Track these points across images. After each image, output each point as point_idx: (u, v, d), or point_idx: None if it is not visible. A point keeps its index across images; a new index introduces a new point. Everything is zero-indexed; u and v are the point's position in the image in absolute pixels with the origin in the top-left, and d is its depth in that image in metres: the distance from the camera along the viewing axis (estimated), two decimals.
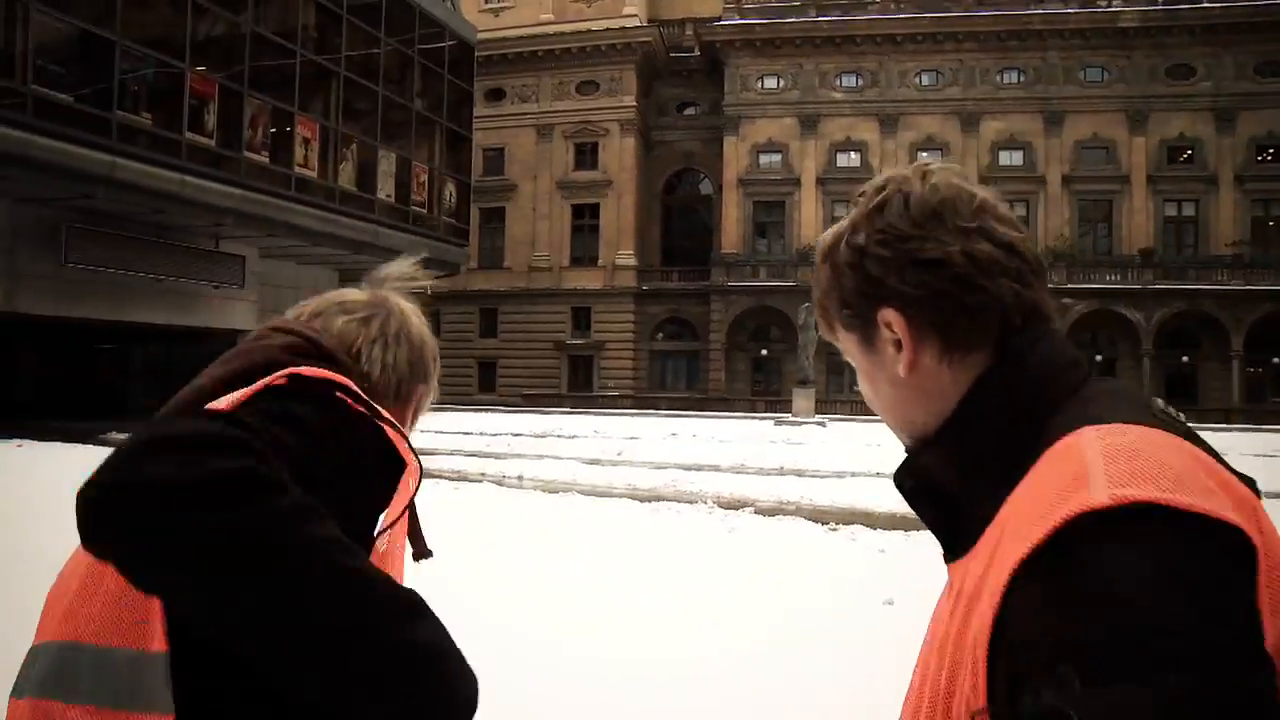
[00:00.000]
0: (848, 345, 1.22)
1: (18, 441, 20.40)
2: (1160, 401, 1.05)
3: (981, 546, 1.00)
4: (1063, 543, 0.86)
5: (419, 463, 1.36)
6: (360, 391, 1.32)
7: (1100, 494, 0.86)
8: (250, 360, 1.35)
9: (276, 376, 1.26)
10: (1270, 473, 18.72)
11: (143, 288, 26.42)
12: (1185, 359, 49.41)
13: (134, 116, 23.40)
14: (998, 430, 1.06)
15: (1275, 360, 48.40)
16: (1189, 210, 51.42)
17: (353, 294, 1.61)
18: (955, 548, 1.10)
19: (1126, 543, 0.83)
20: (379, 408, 1.33)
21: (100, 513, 1.05)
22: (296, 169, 28.55)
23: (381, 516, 1.33)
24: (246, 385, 1.26)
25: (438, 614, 1.15)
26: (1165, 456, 0.90)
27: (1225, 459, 0.97)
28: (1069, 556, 0.85)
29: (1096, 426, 0.96)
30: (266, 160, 27.46)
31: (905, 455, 1.20)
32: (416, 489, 1.37)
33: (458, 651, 1.14)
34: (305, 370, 1.29)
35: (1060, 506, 0.87)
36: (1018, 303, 1.12)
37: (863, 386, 1.24)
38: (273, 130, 27.78)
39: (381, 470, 1.32)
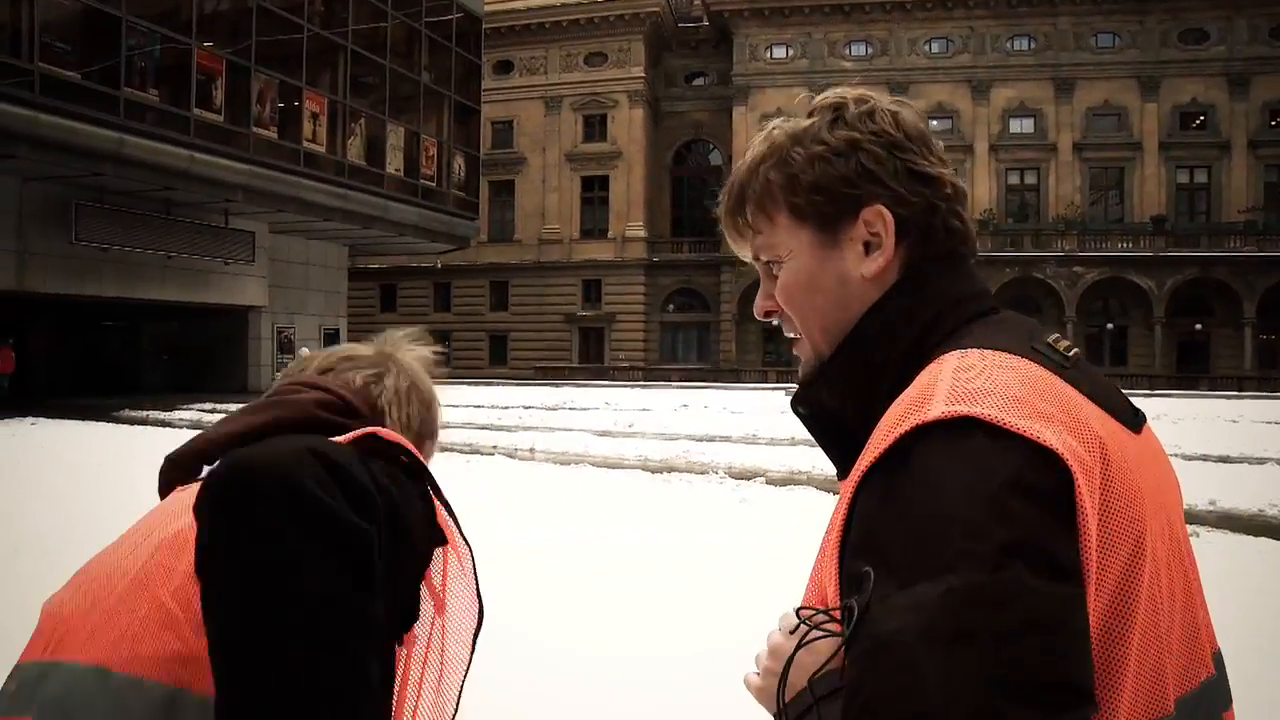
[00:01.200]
0: (787, 238, 1.19)
1: (31, 419, 20.52)
2: (1057, 337, 1.08)
3: (859, 458, 1.03)
4: (899, 452, 0.93)
5: (469, 546, 1.31)
6: (409, 446, 1.27)
7: (936, 409, 0.93)
8: (284, 414, 1.32)
9: (362, 433, 1.23)
10: None
11: (152, 265, 26.50)
12: (1198, 326, 49.21)
13: (141, 93, 23.39)
14: (891, 348, 1.12)
15: None
16: (1201, 177, 51.09)
17: (359, 349, 1.57)
18: (846, 466, 1.11)
19: (947, 452, 0.90)
20: (435, 479, 1.29)
21: (249, 485, 1.00)
22: (305, 144, 28.53)
23: (424, 591, 1.28)
24: (283, 435, 1.22)
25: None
26: (1007, 380, 0.96)
27: (1115, 398, 1.05)
28: (899, 463, 0.93)
29: (963, 351, 1.03)
30: (275, 135, 27.44)
31: (800, 382, 1.23)
32: (475, 573, 1.33)
33: None
34: (384, 432, 1.25)
35: (904, 421, 0.95)
36: (973, 236, 1.20)
37: (789, 287, 1.20)
38: (281, 105, 27.76)
39: (428, 539, 1.25)
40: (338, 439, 1.19)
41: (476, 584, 1.33)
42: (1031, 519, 0.86)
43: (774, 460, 14.14)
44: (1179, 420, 23.54)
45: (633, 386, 43.70)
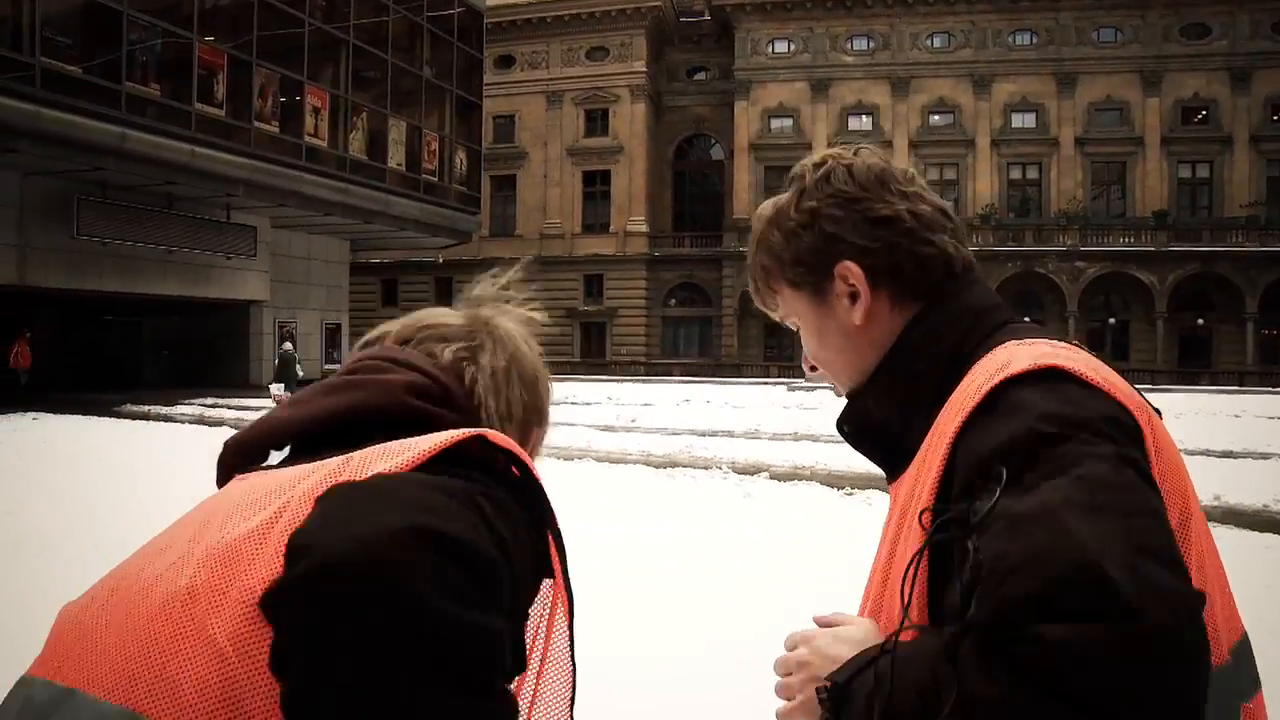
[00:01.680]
0: (795, 305, 1.35)
1: (33, 414, 20.53)
2: (1076, 343, 1.19)
3: (920, 451, 1.16)
4: (994, 396, 1.05)
5: (569, 591, 1.11)
6: (531, 463, 1.06)
7: (1022, 365, 1.06)
8: (369, 398, 1.11)
9: (465, 435, 1.01)
10: None
11: (154, 259, 26.50)
12: (1199, 321, 49.16)
13: (143, 88, 23.38)
14: (931, 358, 1.22)
15: None
16: (1203, 172, 51.01)
17: (447, 315, 1.31)
18: (896, 470, 1.26)
19: (1042, 389, 1.03)
20: (546, 496, 1.08)
21: (346, 598, 0.81)
22: (307, 138, 28.51)
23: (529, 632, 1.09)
24: (364, 424, 1.08)
25: None
26: (1076, 355, 1.10)
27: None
28: (1000, 401, 1.04)
29: (1017, 341, 1.15)
30: (276, 130, 27.43)
31: (846, 402, 1.35)
32: (569, 617, 1.12)
33: None
34: (493, 435, 1.03)
35: (994, 378, 1.06)
36: (957, 254, 1.29)
37: (810, 344, 1.36)
38: (282, 100, 27.75)
39: (535, 578, 1.06)
40: (437, 439, 0.99)
41: (571, 640, 1.13)
42: (1129, 443, 0.99)
43: (777, 455, 14.13)
44: (1181, 415, 23.52)
45: (634, 381, 43.70)
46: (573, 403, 26.72)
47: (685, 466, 13.97)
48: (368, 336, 1.31)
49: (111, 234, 24.50)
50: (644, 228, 55.15)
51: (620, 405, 25.88)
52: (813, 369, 1.40)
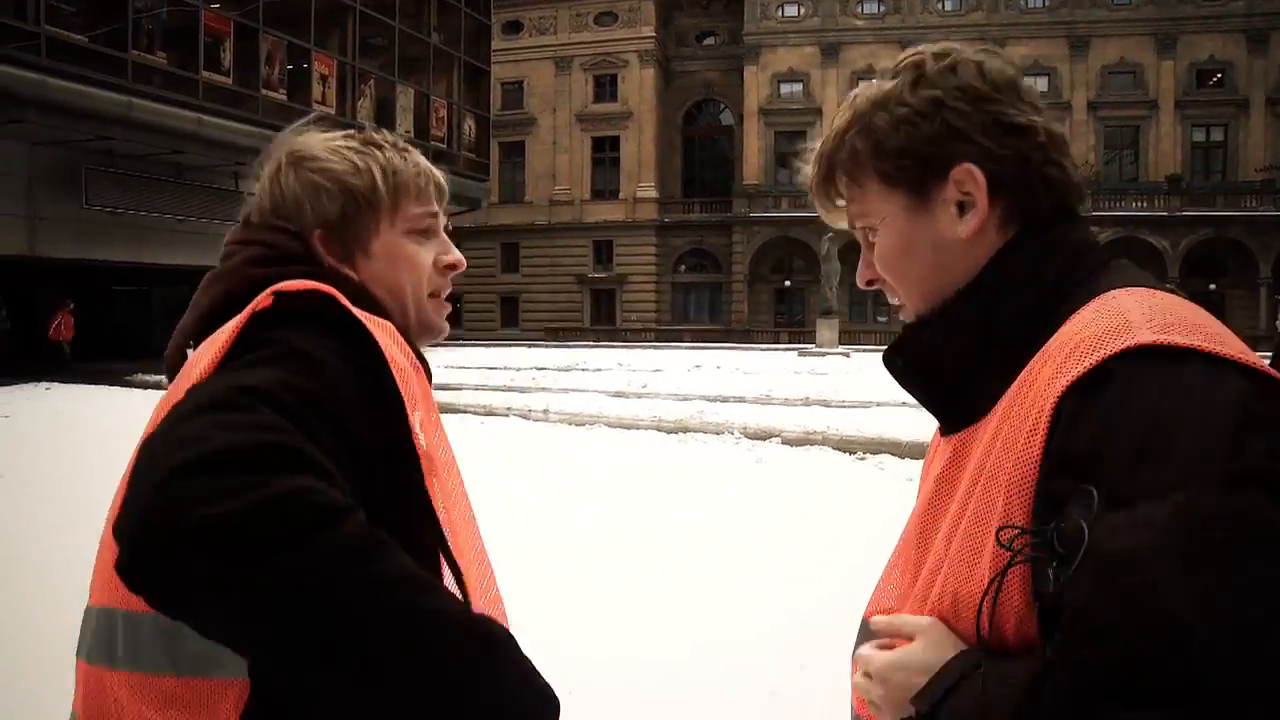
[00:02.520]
0: (879, 204, 1.17)
1: (45, 384, 20.60)
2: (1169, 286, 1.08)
3: (1005, 409, 1.02)
4: (1108, 371, 0.91)
5: (415, 357, 1.20)
6: (339, 295, 1.12)
7: (1145, 335, 0.92)
8: (230, 286, 1.23)
9: (261, 300, 1.08)
10: None
11: (163, 229, 26.48)
12: (1212, 286, 48.86)
13: (149, 56, 23.29)
14: (1026, 292, 1.08)
15: None
16: (1217, 135, 50.62)
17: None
18: (953, 418, 1.14)
19: (1164, 376, 0.89)
20: (360, 311, 1.13)
21: (143, 559, 0.87)
22: (315, 106, 28.39)
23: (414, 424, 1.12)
24: (222, 314, 1.17)
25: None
26: (1198, 317, 0.97)
27: None
28: (1113, 382, 0.90)
29: (1129, 289, 1.02)
30: (284, 98, 27.32)
31: (902, 334, 1.20)
32: (429, 381, 1.24)
33: (537, 688, 1.01)
34: (287, 286, 1.10)
35: (1109, 343, 0.93)
36: (1078, 185, 1.16)
37: (887, 252, 1.18)
38: (289, 67, 27.63)
39: (387, 385, 1.10)
40: (240, 316, 1.08)
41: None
42: (1258, 446, 0.83)
43: (789, 420, 14.12)
44: None
45: (644, 347, 43.68)
46: (583, 369, 26.73)
47: (697, 432, 13.98)
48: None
49: (120, 203, 24.47)
50: (653, 194, 54.96)
51: (631, 371, 25.87)
52: (869, 283, 1.23)
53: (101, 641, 1.08)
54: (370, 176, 1.33)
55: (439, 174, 1.43)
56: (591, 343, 48.23)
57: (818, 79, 52.89)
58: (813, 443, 12.69)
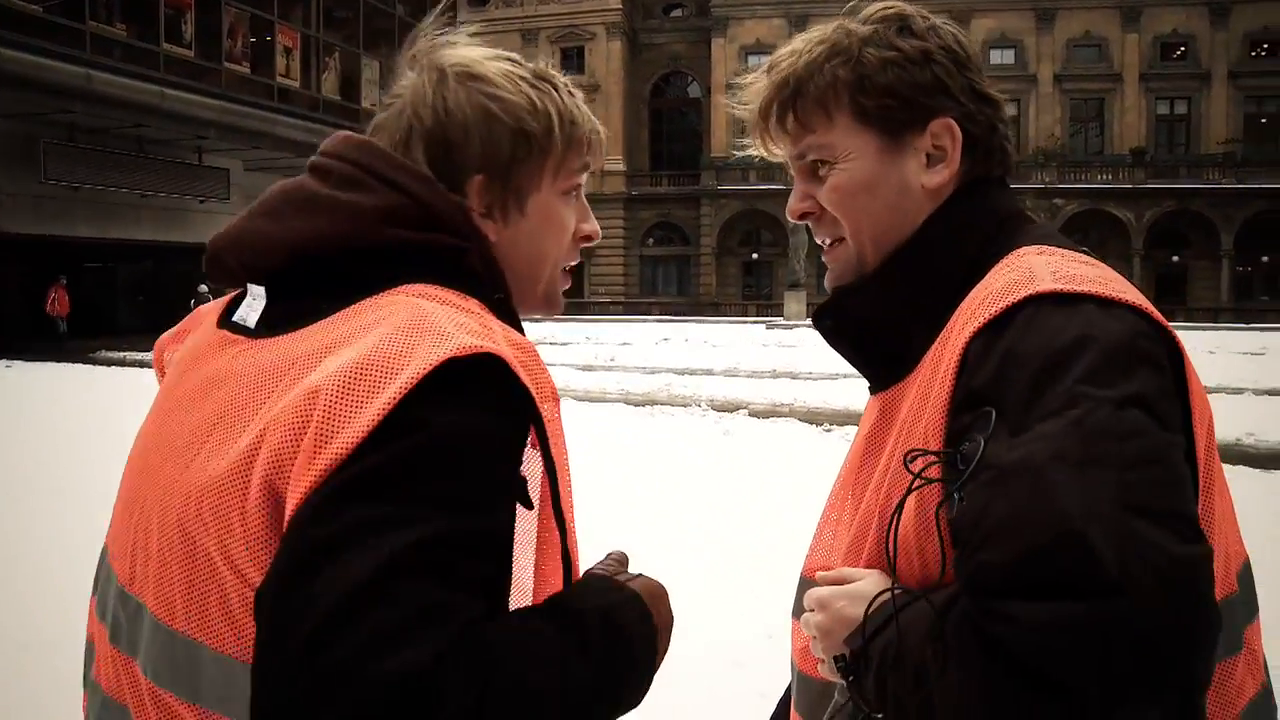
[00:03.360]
0: (849, 139, 1.17)
1: (6, 362, 20.35)
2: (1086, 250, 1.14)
3: (927, 362, 1.07)
4: (1010, 315, 0.96)
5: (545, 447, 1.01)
6: (512, 360, 0.96)
7: (1045, 285, 0.97)
8: (336, 226, 1.02)
9: (427, 367, 0.88)
10: (1259, 370, 18.71)
11: (126, 204, 26.17)
12: (1175, 258, 49.39)
13: (108, 27, 22.95)
14: (955, 254, 1.13)
15: (1265, 259, 48.42)
16: (1181, 108, 50.98)
17: (397, 88, 1.18)
18: (880, 377, 1.18)
19: (1062, 314, 0.94)
20: (526, 380, 0.98)
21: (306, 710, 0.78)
22: (279, 79, 28.10)
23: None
24: (335, 261, 1.01)
25: None
26: (1098, 269, 1.03)
27: None
28: (1014, 323, 0.96)
29: (1040, 247, 1.08)
30: (247, 71, 27.02)
31: (832, 297, 1.22)
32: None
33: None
34: (461, 351, 0.91)
35: (1013, 292, 0.98)
36: (1013, 161, 1.24)
37: (845, 189, 1.17)
38: (253, 40, 27.29)
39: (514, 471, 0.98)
40: (400, 385, 0.88)
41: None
42: (1145, 376, 0.90)
43: (756, 392, 14.19)
44: None
45: (613, 320, 43.64)
46: (551, 343, 26.68)
47: (664, 405, 14.01)
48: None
49: (81, 178, 24.14)
50: (621, 166, 54.76)
51: (599, 344, 25.88)
52: (804, 215, 1.23)
53: (178, 672, 0.96)
54: (547, 119, 1.15)
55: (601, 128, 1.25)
56: (559, 316, 47.98)
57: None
58: (780, 415, 12.76)
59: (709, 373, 18.28)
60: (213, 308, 1.17)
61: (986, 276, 1.05)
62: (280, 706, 0.79)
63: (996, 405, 0.91)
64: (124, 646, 1.02)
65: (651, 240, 55.89)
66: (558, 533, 1.04)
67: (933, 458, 0.96)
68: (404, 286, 0.99)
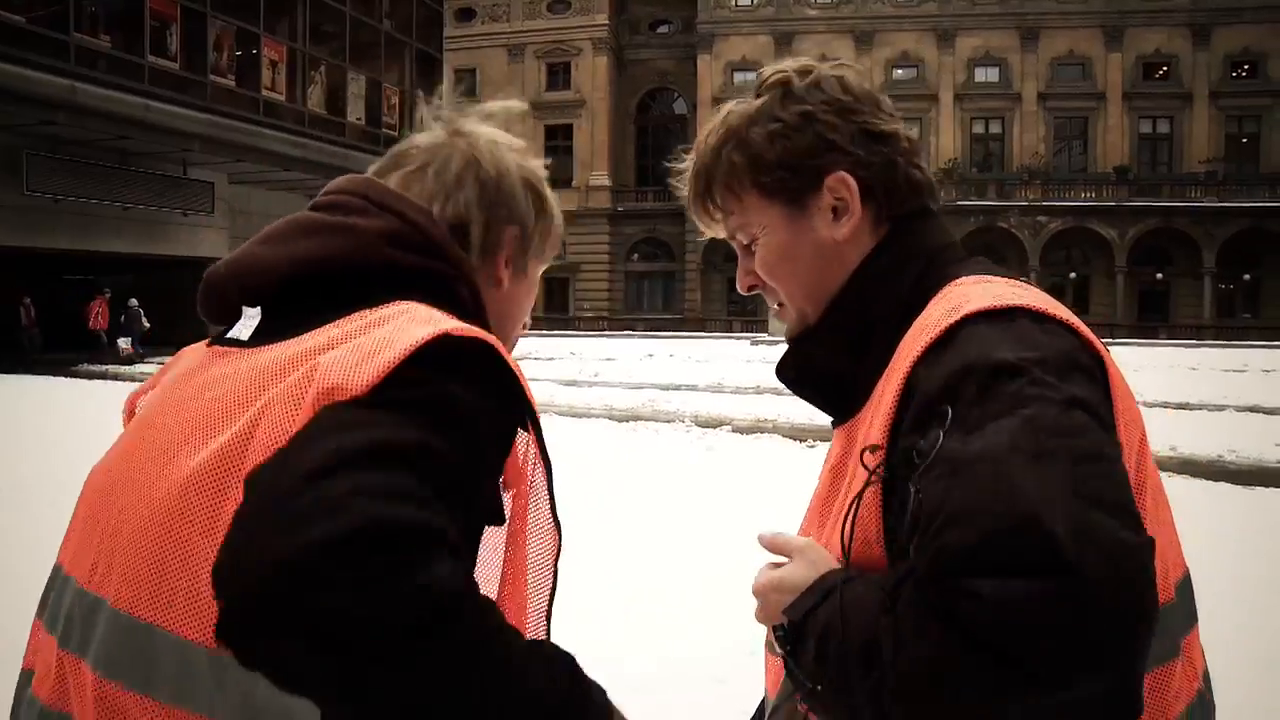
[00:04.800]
0: (761, 215, 1.24)
1: None
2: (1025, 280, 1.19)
3: (877, 389, 1.12)
4: (952, 334, 1.02)
5: (545, 456, 1.11)
6: (500, 347, 1.04)
7: (981, 304, 1.03)
8: (341, 246, 1.08)
9: (424, 339, 0.95)
10: (1241, 387, 18.82)
11: (109, 216, 26.05)
12: (1158, 276, 49.71)
13: (92, 39, 22.87)
14: (890, 295, 1.18)
15: (1246, 277, 48.79)
16: (1164, 127, 51.39)
17: (416, 139, 1.31)
18: (843, 412, 1.22)
19: (999, 328, 1.00)
20: (517, 367, 1.06)
21: (257, 632, 0.81)
22: (264, 92, 28.05)
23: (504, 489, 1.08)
24: (334, 279, 1.06)
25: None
26: (1032, 294, 1.08)
27: None
28: (957, 338, 1.01)
29: (976, 277, 1.13)
30: (233, 84, 26.97)
31: (790, 349, 1.29)
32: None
33: None
34: (456, 330, 0.99)
35: (952, 316, 1.04)
36: (933, 183, 1.27)
37: (770, 259, 1.24)
38: (238, 53, 27.25)
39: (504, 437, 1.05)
40: (394, 353, 0.94)
41: (552, 501, 1.13)
42: (1082, 382, 0.97)
43: (740, 408, 14.20)
44: (1139, 368, 23.79)
45: (598, 336, 43.66)
46: (535, 358, 26.67)
47: (648, 420, 14.00)
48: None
49: (64, 190, 24.02)
50: (606, 182, 54.86)
51: (583, 360, 25.87)
52: (751, 288, 1.30)
53: (134, 659, 0.95)
54: (553, 207, 1.37)
55: None
56: (544, 331, 48.11)
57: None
58: (763, 430, 12.77)
59: (693, 388, 18.31)
60: (191, 349, 1.19)
61: (926, 309, 1.10)
62: (266, 527, 0.82)
63: (952, 403, 0.95)
64: (74, 646, 1.00)
65: (637, 256, 55.94)
66: (556, 534, 1.13)
67: (882, 456, 1.02)
68: (398, 303, 1.04)
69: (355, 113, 32.24)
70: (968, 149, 52.40)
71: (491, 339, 1.02)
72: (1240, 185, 48.16)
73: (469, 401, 0.96)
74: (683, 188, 1.34)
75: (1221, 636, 4.92)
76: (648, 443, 11.93)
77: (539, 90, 55.73)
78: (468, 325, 1.01)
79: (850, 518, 1.05)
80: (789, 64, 1.27)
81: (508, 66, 55.87)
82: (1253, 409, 15.39)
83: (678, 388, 18.28)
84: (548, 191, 1.36)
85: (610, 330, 49.86)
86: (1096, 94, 50.95)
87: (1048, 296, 1.09)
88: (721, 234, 1.32)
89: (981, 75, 52.11)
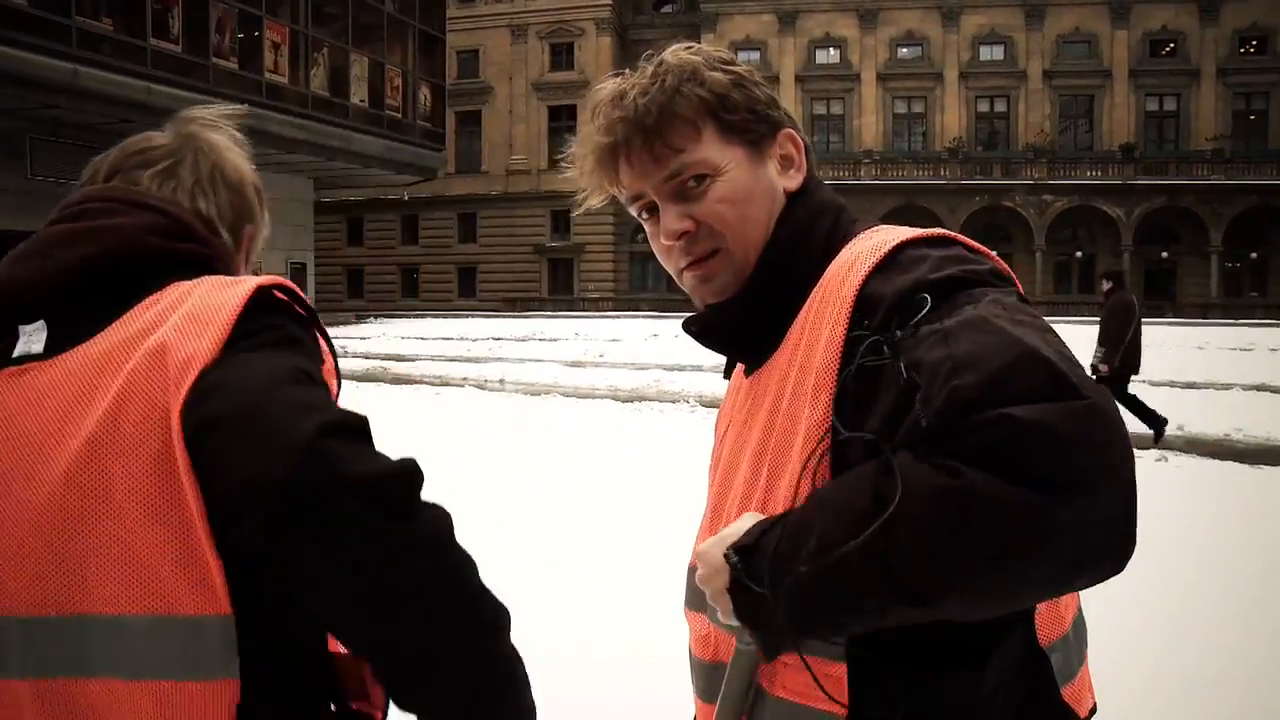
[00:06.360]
0: (722, 154, 1.26)
1: None
2: None
3: (793, 334, 1.18)
4: (895, 254, 1.10)
5: (335, 362, 1.23)
6: (298, 290, 1.18)
7: (915, 234, 1.13)
8: (107, 247, 1.15)
9: (250, 290, 1.09)
10: (1248, 366, 18.79)
11: None
12: (1165, 254, 49.52)
13: (94, 22, 22.82)
14: (814, 246, 1.24)
15: (1253, 255, 48.56)
16: (1170, 105, 51.05)
17: (153, 139, 1.39)
18: (755, 362, 1.27)
19: (940, 247, 1.11)
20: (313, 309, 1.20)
21: (303, 509, 0.95)
22: (267, 75, 28.00)
23: None
24: (104, 274, 1.13)
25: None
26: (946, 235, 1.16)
27: None
28: (903, 255, 1.10)
29: (885, 226, 1.22)
30: (235, 66, 26.91)
31: (709, 313, 1.31)
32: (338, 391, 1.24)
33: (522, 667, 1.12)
34: (267, 280, 1.13)
35: (887, 244, 1.12)
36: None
37: (731, 201, 1.25)
38: (240, 35, 27.18)
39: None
40: (228, 307, 1.07)
41: None
42: (1016, 293, 1.07)
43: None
44: (1146, 347, 23.68)
45: (602, 317, 43.64)
46: (540, 339, 26.69)
47: (653, 401, 14.01)
48: (85, 172, 1.39)
49: (68, 173, 23.79)
50: None
51: (588, 341, 25.86)
52: (683, 234, 1.27)
53: (63, 653, 1.02)
54: (265, 214, 1.48)
55: None
56: (550, 313, 48.11)
57: (775, 47, 52.76)
58: None
59: (698, 369, 18.27)
60: None
61: (844, 250, 1.17)
62: (266, 434, 0.97)
63: (925, 295, 1.03)
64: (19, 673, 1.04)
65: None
66: None
67: (867, 340, 1.05)
68: (174, 285, 1.13)
69: (358, 95, 32.18)
70: (972, 127, 52.15)
71: (291, 284, 1.16)
72: (1248, 163, 47.88)
73: (300, 331, 1.13)
74: (584, 157, 1.35)
75: (1230, 614, 4.92)
76: (653, 423, 11.94)
77: (542, 71, 55.54)
78: (272, 275, 1.15)
79: (818, 460, 1.07)
80: (676, 48, 1.33)
81: (510, 47, 55.67)
82: (1260, 387, 15.36)
83: (682, 368, 18.26)
84: (264, 200, 1.45)
85: (615, 310, 49.80)
86: (1102, 71, 50.65)
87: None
88: (652, 180, 1.28)
89: (986, 53, 51.80)
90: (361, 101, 32.38)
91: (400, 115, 34.62)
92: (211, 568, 1.00)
